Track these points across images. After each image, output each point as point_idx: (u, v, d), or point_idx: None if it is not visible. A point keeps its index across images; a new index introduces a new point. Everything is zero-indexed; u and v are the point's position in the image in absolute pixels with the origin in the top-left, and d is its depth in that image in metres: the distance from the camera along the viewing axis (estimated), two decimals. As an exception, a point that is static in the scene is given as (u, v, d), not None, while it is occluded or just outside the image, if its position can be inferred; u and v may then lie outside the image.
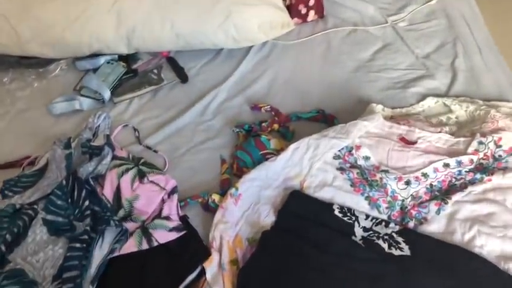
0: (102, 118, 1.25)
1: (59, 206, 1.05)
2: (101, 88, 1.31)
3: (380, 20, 1.46)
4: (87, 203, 1.04)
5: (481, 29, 1.39)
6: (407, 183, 0.99)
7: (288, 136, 1.17)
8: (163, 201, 1.05)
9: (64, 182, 1.07)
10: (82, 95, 1.32)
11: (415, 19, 1.45)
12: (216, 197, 1.03)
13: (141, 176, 1.08)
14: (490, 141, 1.00)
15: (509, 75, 1.25)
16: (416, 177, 1.00)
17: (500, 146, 1.00)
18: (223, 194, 1.04)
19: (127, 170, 1.09)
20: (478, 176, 0.97)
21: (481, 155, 1.00)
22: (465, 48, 1.34)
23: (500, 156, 0.99)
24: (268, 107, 1.25)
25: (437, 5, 1.49)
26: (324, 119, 1.21)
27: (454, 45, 1.35)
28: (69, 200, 1.05)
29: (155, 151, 1.18)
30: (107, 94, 1.31)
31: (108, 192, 1.07)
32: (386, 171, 1.01)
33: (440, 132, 1.06)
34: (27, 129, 1.29)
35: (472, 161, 1.00)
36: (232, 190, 1.02)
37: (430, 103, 1.19)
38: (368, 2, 1.51)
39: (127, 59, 1.41)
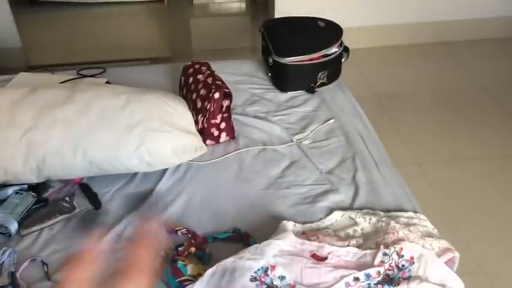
0: (7, 254, 1.18)
1: None
2: (7, 221, 1.25)
3: (286, 139, 1.58)
4: None
5: (375, 145, 1.55)
6: (322, 300, 1.02)
7: (205, 259, 1.18)
8: None
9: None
10: (-15, 230, 1.25)
11: (317, 137, 1.59)
12: (130, 334, 0.98)
13: (48, 317, 1.01)
14: (393, 252, 1.08)
15: (404, 187, 1.38)
16: (330, 293, 1.03)
17: (402, 256, 1.07)
18: (138, 329, 0.99)
19: (33, 312, 1.02)
20: (386, 287, 1.03)
21: (387, 266, 1.06)
22: (363, 162, 1.47)
23: (403, 265, 1.06)
24: (185, 229, 1.25)
25: (335, 123, 1.65)
26: (240, 238, 1.23)
27: (353, 160, 1.48)
28: None
29: None
30: (13, 227, 1.25)
31: None
32: (301, 290, 1.03)
33: (348, 245, 1.13)
34: None
35: (379, 272, 1.05)
36: (148, 325, 0.98)
37: (337, 217, 1.27)
38: (274, 123, 1.64)
39: (37, 187, 1.37)
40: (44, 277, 1.15)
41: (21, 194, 1.34)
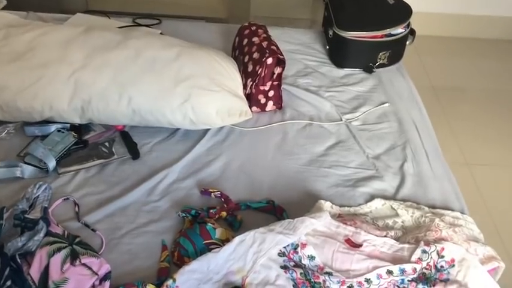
0: (43, 189, 1.19)
1: (-24, 284, 0.95)
2: (46, 157, 1.26)
3: (335, 117, 1.51)
4: (9, 283, 0.95)
5: (429, 136, 1.46)
6: (350, 287, 0.97)
7: (235, 225, 1.15)
8: (93, 287, 0.97)
9: (-13, 257, 0.98)
10: (25, 162, 1.26)
11: (368, 119, 1.51)
12: (151, 288, 0.97)
13: (73, 257, 1.01)
14: (433, 251, 1.01)
15: (453, 185, 1.30)
16: (360, 283, 0.98)
17: (442, 257, 1.00)
18: (159, 284, 0.98)
19: (59, 249, 1.02)
20: (421, 287, 0.96)
21: (424, 264, 1.00)
22: (414, 153, 1.39)
23: (442, 267, 1.00)
24: (219, 192, 1.22)
25: (390, 108, 1.56)
26: (273, 211, 1.19)
27: (403, 148, 1.40)
28: (-10, 278, 0.96)
29: (93, 230, 1.12)
30: (51, 164, 1.25)
31: (35, 272, 0.99)
32: (330, 274, 0.98)
33: (385, 236, 1.07)
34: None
35: (415, 269, 0.99)
36: (170, 282, 0.96)
37: (377, 205, 1.21)
38: (325, 99, 1.56)
39: (79, 128, 1.37)
40: (74, 217, 1.16)
41: (63, 132, 1.35)
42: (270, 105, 1.51)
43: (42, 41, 1.35)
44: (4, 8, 2.28)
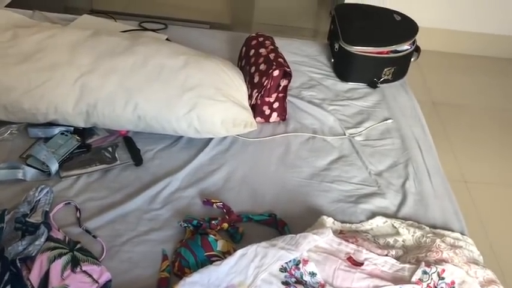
0: (44, 192, 1.18)
1: (-25, 288, 0.95)
2: (49, 160, 1.25)
3: (338, 131, 1.52)
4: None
5: (431, 155, 1.46)
6: (351, 306, 0.97)
7: (236, 237, 1.14)
8: (93, 295, 0.97)
9: (-13, 260, 0.98)
10: (28, 165, 1.25)
11: (371, 135, 1.52)
12: (151, 299, 0.97)
13: (74, 263, 1.00)
14: (434, 272, 1.01)
15: (454, 204, 1.30)
16: (360, 301, 0.98)
17: (443, 279, 1.01)
18: (159, 295, 0.98)
19: (60, 255, 1.01)
20: (420, 308, 0.97)
21: (424, 285, 1.00)
22: (416, 171, 1.39)
23: (442, 288, 1.00)
24: (221, 203, 1.22)
25: (393, 124, 1.57)
26: (274, 224, 1.19)
27: (405, 166, 1.41)
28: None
29: (94, 236, 1.12)
30: (54, 167, 1.25)
31: (34, 277, 0.98)
32: (331, 291, 0.99)
33: (386, 255, 1.07)
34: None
35: (415, 290, 1.00)
36: (170, 293, 0.96)
37: (378, 222, 1.21)
38: (328, 112, 1.57)
39: (82, 132, 1.37)
40: (75, 222, 1.15)
41: (67, 135, 1.34)
42: (274, 117, 1.51)
43: (50, 43, 1.35)
44: (8, 5, 2.28)
